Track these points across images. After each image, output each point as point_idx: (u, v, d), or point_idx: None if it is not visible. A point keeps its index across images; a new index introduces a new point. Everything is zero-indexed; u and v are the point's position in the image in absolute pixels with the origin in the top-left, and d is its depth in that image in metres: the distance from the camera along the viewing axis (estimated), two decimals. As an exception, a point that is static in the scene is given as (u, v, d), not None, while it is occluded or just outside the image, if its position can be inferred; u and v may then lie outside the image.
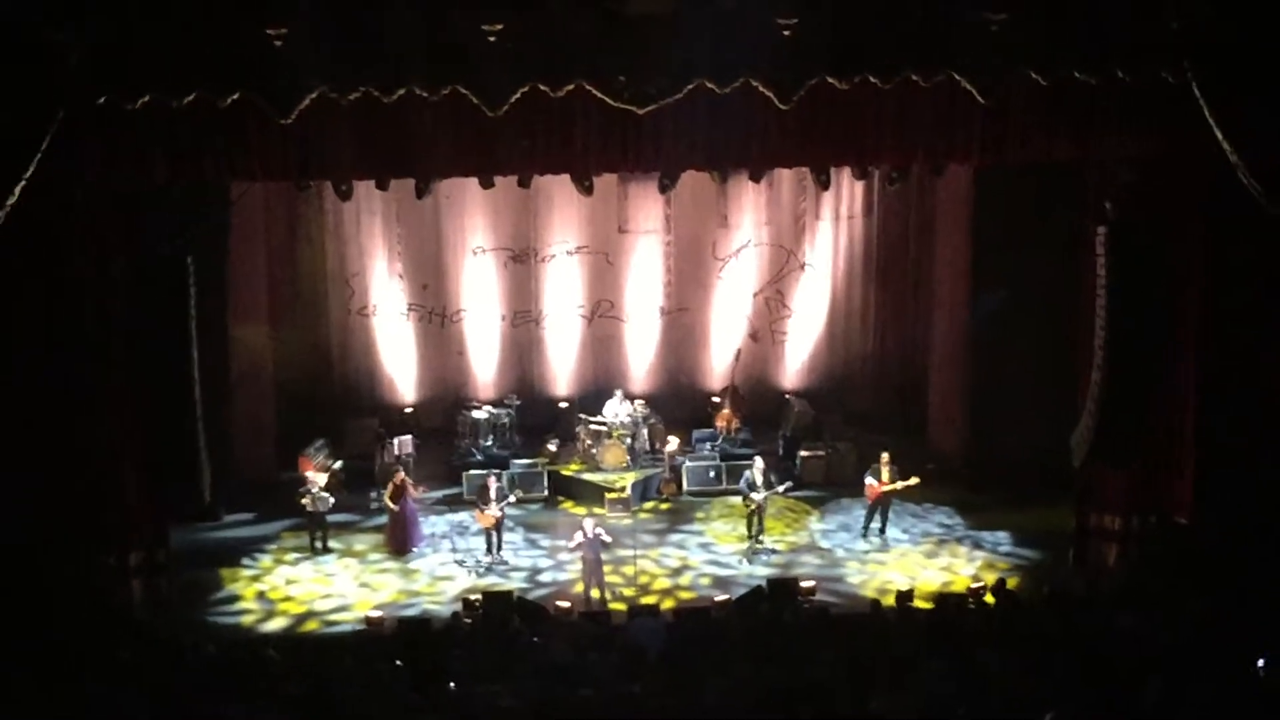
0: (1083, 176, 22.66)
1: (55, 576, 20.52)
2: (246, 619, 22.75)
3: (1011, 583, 22.42)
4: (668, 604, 22.78)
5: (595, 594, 22.88)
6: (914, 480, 25.20)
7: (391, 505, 25.21)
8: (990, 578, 22.60)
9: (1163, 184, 21.88)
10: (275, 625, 22.49)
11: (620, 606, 22.33)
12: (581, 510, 26.41)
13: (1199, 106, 20.37)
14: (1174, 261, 22.09)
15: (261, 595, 23.58)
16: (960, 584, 22.81)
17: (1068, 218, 23.45)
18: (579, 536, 23.08)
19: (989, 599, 21.00)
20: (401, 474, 25.55)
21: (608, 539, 23.17)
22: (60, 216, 20.82)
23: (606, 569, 23.29)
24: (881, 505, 25.37)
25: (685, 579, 24.05)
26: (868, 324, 31.82)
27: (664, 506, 27.68)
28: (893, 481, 25.15)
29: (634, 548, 24.40)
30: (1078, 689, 13.93)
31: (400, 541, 25.19)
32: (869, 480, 25.38)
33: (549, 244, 31.16)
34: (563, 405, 31.04)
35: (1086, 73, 20.91)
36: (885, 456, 25.44)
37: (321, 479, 25.40)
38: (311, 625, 22.44)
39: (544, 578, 24.15)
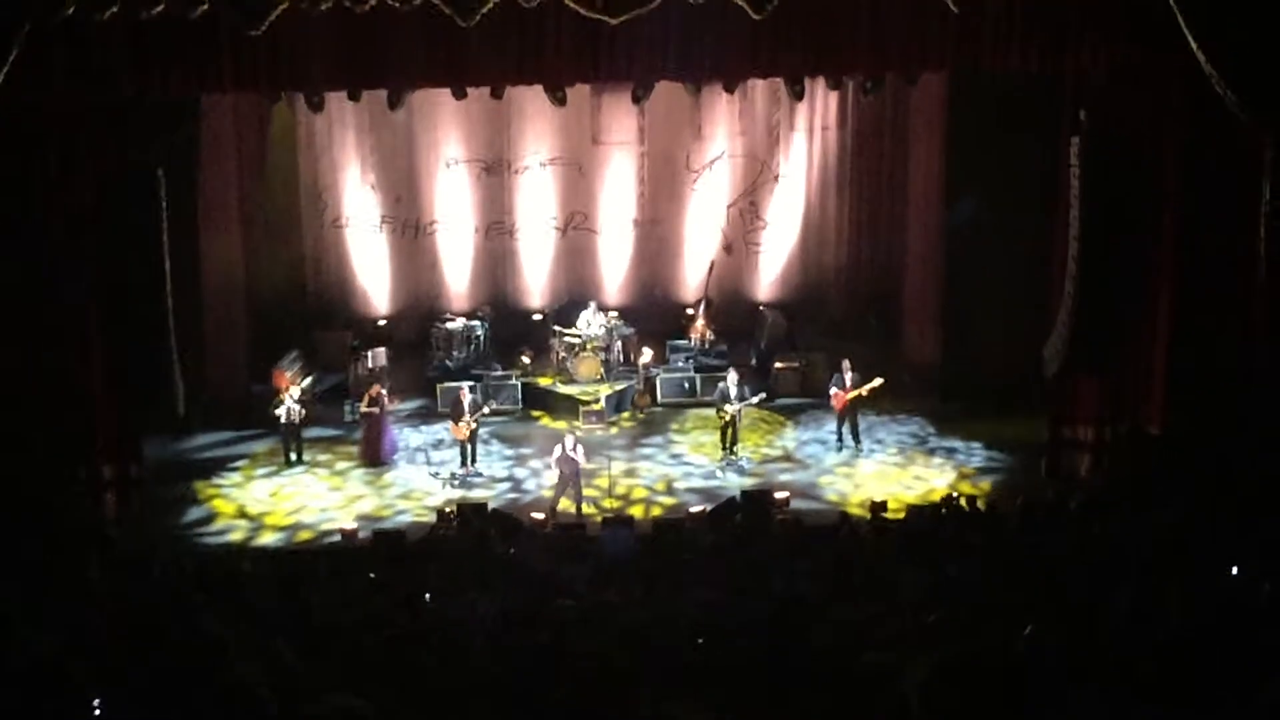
0: (1058, 86, 22.58)
1: (25, 490, 20.46)
2: (220, 533, 22.76)
3: (983, 491, 22.58)
4: (655, 511, 23.04)
5: (570, 506, 22.94)
6: (877, 381, 25.27)
7: (368, 416, 25.22)
8: (965, 487, 22.70)
9: (1138, 94, 21.85)
10: (249, 538, 22.48)
11: (594, 513, 22.53)
12: (557, 423, 26.51)
13: (1174, 16, 20.28)
14: (1148, 171, 22.08)
15: (235, 509, 23.60)
16: (933, 494, 22.88)
17: (1042, 128, 23.43)
18: (558, 451, 23.14)
19: (963, 505, 21.04)
20: (378, 386, 25.56)
21: (582, 460, 23.17)
22: (30, 129, 20.67)
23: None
24: (850, 414, 25.45)
25: (660, 490, 24.12)
26: (841, 235, 31.80)
27: (639, 418, 27.73)
28: (857, 387, 25.21)
29: (608, 460, 24.47)
30: (1050, 599, 13.98)
31: (375, 453, 25.24)
32: (833, 389, 25.48)
33: (522, 155, 31.10)
34: (536, 317, 31.07)
35: (1062, -19, 20.86)
36: (846, 364, 25.58)
37: (295, 392, 25.38)
38: (286, 538, 22.45)
39: (520, 489, 24.25)
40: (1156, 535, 16.88)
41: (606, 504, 23.24)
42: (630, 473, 24.74)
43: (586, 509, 22.93)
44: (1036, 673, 10.06)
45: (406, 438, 26.27)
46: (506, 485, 24.44)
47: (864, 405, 25.60)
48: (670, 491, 24.06)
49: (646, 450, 26.00)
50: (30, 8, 19.44)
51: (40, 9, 19.54)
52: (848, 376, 25.33)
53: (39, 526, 19.18)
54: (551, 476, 23.49)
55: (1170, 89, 21.60)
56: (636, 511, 22.82)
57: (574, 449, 23.05)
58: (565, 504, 23.00)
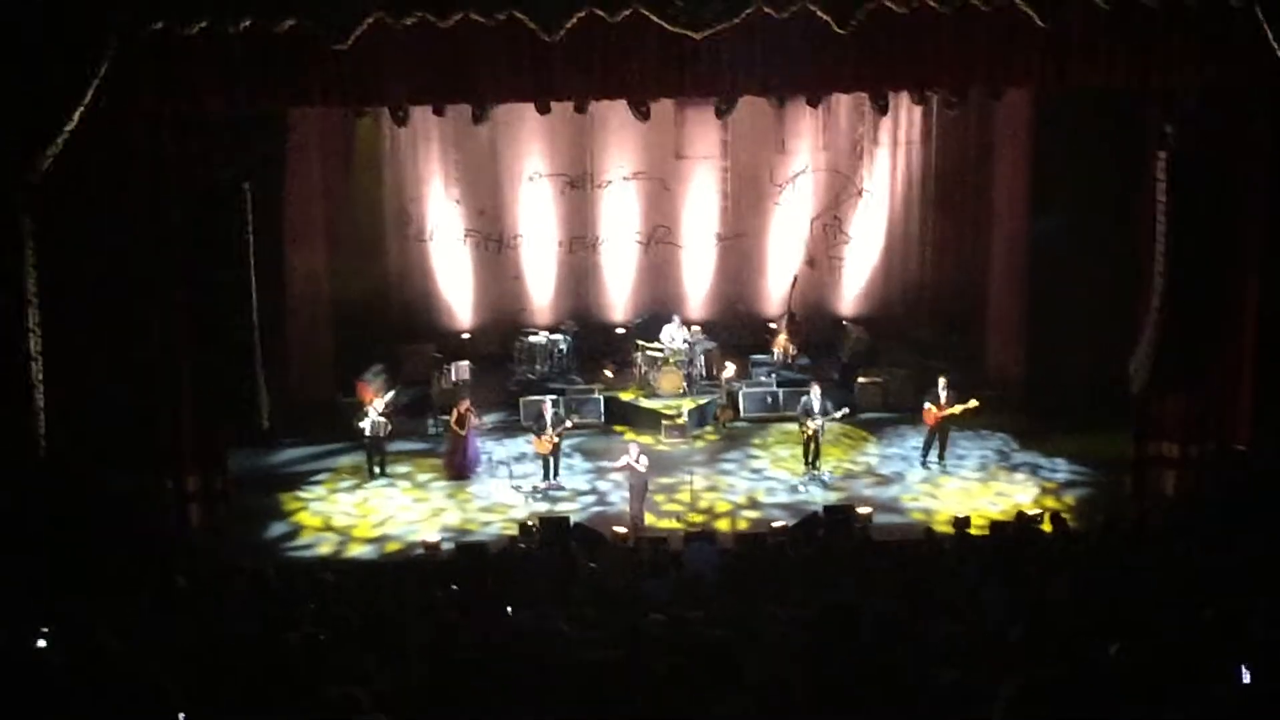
0: (1144, 101, 22.42)
1: (113, 500, 20.64)
2: (303, 544, 22.90)
3: (1067, 507, 22.42)
4: (736, 525, 23.02)
5: (650, 519, 22.96)
6: (973, 403, 25.09)
7: (457, 431, 25.28)
8: (1049, 503, 22.54)
9: (1225, 110, 21.65)
10: (331, 550, 22.61)
11: (674, 525, 22.62)
12: (640, 437, 26.43)
13: (1263, 31, 20.10)
14: (1235, 187, 21.87)
15: (318, 520, 23.74)
16: (1017, 511, 22.71)
17: (1128, 143, 23.27)
18: (623, 460, 23.20)
19: (1046, 527, 20.90)
20: (466, 402, 25.58)
21: (640, 468, 23.10)
22: (118, 144, 20.85)
23: (660, 497, 23.39)
24: (940, 431, 25.32)
25: (742, 504, 24.08)
26: (925, 250, 31.64)
27: (722, 432, 27.70)
28: (951, 405, 25.06)
29: (690, 474, 24.46)
30: (1135, 618, 13.86)
31: (459, 467, 25.31)
32: (927, 405, 25.33)
33: (605, 170, 31.17)
34: (619, 331, 31.08)
35: (1148, -4, 20.71)
36: (943, 381, 25.37)
37: (380, 404, 25.46)
38: (374, 550, 22.56)
39: (603, 502, 24.25)
40: (1243, 553, 16.72)
41: (694, 518, 23.23)
42: (712, 487, 24.69)
43: (671, 523, 22.90)
44: (1123, 692, 9.98)
45: (489, 451, 26.32)
46: (590, 499, 24.45)
47: (953, 422, 25.44)
48: (754, 506, 24.00)
49: (728, 465, 25.94)
50: (119, 22, 19.63)
51: (129, 23, 19.73)
52: (943, 394, 25.20)
53: (127, 536, 19.36)
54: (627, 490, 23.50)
55: (1258, 104, 21.40)
56: (721, 526, 22.80)
57: (638, 460, 23.06)
58: (650, 518, 23.01)
